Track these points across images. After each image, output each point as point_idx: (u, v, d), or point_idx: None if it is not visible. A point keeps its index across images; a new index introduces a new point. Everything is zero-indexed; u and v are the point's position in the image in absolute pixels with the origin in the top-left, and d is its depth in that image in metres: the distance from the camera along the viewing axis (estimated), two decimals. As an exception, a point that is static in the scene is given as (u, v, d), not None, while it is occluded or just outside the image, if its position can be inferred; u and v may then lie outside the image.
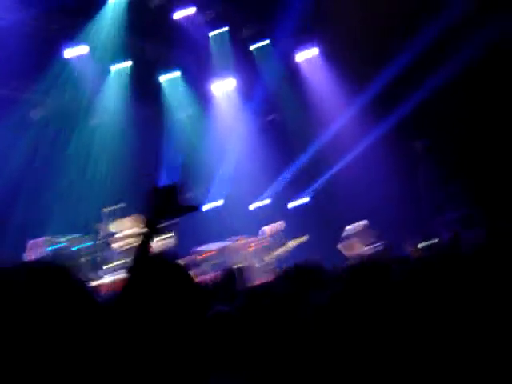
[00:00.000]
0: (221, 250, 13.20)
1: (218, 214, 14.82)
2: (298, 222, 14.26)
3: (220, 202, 15.37)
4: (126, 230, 11.70)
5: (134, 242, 11.57)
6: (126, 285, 1.89)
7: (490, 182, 12.95)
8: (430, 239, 11.38)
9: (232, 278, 6.95)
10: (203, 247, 13.10)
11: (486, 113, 12.75)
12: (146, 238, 2.11)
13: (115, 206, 11.80)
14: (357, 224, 12.60)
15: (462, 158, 13.62)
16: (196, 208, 2.20)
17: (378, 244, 12.19)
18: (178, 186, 2.09)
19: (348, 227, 12.59)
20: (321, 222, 14.39)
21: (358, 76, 13.60)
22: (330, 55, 14.39)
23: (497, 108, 12.56)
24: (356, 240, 12.46)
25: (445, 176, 14.46)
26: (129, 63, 13.70)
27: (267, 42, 14.76)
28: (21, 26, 11.61)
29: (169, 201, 2.08)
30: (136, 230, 11.78)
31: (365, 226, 12.60)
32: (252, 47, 14.86)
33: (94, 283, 10.75)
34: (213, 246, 13.23)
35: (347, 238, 12.55)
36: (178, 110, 14.96)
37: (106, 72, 13.62)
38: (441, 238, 11.51)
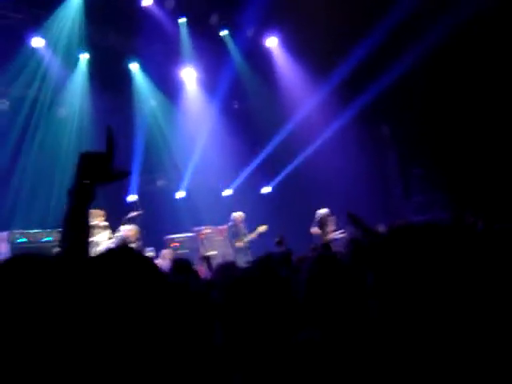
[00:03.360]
0: (193, 238, 13.27)
1: (187, 203, 14.90)
2: (267, 208, 14.40)
3: (184, 194, 15.51)
4: (93, 222, 11.64)
5: (99, 235, 11.55)
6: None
7: (455, 166, 13.15)
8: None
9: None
10: (174, 236, 13.16)
11: (452, 97, 12.93)
12: (79, 204, 2.01)
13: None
14: (322, 210, 12.70)
15: (427, 143, 13.81)
16: (126, 174, 2.15)
17: (343, 230, 12.27)
18: (109, 153, 2.06)
19: (319, 212, 12.70)
20: (290, 207, 14.53)
21: (324, 62, 13.71)
22: (296, 42, 14.44)
23: (463, 92, 12.73)
24: (329, 225, 12.56)
25: (410, 160, 14.68)
26: (94, 53, 13.60)
27: (232, 29, 14.78)
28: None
29: (99, 167, 2.06)
30: (100, 222, 11.74)
31: (329, 212, 12.70)
32: (217, 35, 14.86)
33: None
34: (183, 235, 13.32)
35: (319, 222, 12.66)
36: (144, 99, 14.94)
37: (71, 62, 13.50)
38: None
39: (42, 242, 11.07)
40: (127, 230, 11.01)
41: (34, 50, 12.65)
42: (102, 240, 11.30)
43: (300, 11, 13.31)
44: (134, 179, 14.05)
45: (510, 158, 12.02)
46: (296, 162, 14.98)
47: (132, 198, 13.25)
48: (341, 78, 13.64)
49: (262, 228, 12.48)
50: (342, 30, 13.03)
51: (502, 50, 12.14)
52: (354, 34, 13.13)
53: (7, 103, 12.82)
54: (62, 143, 13.44)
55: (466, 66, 12.52)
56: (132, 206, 12.22)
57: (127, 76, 14.62)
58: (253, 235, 12.45)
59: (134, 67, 14.72)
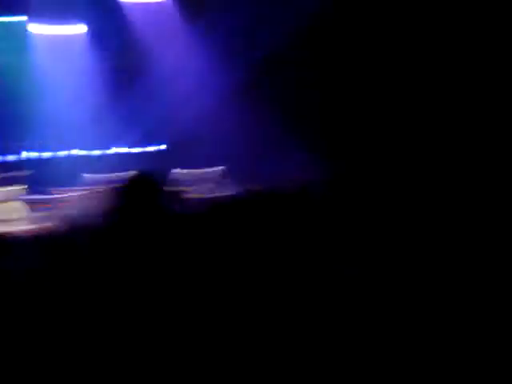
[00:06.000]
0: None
1: (62, 162, 14.37)
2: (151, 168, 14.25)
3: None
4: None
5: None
6: None
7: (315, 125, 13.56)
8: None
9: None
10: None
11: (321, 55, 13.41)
12: None
13: None
14: (210, 170, 12.88)
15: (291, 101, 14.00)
16: None
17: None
18: None
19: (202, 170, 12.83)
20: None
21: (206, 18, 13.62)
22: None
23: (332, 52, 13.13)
24: (211, 184, 12.71)
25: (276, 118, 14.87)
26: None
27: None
28: None
29: None
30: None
31: (216, 171, 12.89)
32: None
33: None
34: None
35: (202, 181, 12.74)
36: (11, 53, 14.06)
37: None
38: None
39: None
40: None
41: None
42: None
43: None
44: None
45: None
46: (180, 121, 14.70)
47: None
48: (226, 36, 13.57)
49: None
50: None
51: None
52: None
53: None
54: None
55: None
56: None
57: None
58: None
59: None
